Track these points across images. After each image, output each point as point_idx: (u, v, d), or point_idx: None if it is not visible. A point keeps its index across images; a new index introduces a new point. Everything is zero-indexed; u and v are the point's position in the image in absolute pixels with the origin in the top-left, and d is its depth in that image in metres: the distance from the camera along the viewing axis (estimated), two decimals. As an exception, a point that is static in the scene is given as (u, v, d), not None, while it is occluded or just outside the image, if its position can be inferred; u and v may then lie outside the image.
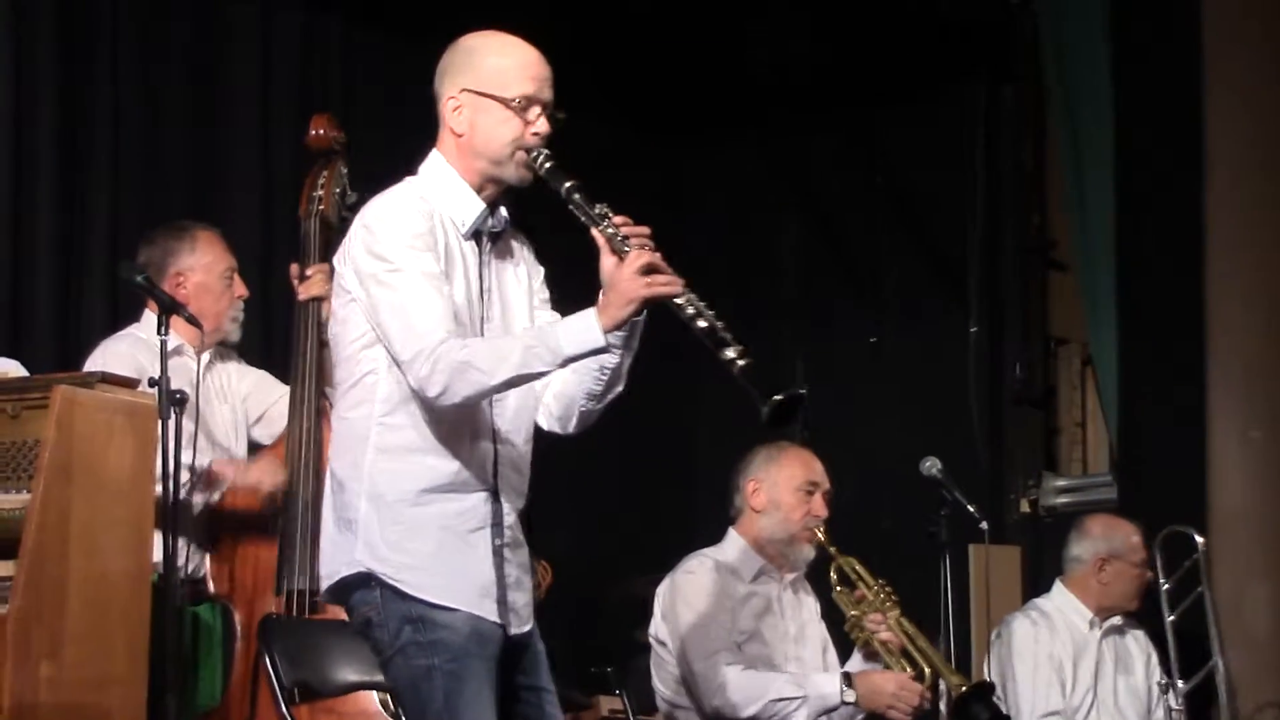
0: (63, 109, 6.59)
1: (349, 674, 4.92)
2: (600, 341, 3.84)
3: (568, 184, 3.95)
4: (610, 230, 3.93)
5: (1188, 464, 7.02)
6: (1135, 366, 7.48)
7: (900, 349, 8.44)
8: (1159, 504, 7.04)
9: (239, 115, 7.15)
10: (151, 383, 4.63)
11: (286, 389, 5.59)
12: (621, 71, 8.16)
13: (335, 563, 3.93)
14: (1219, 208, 7.05)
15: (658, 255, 3.88)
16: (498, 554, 3.95)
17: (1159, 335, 7.38)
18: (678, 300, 3.86)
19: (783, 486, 5.76)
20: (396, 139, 7.50)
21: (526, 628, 4.02)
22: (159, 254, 5.52)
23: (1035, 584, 7.31)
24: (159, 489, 4.59)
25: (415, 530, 3.88)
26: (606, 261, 3.95)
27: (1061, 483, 8.32)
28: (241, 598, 5.36)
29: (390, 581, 3.85)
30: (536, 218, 4.26)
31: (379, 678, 4.91)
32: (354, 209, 5.55)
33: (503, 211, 4.07)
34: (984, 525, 6.19)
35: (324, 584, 3.96)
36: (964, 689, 5.57)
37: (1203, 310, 7.02)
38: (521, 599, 4.01)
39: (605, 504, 8.07)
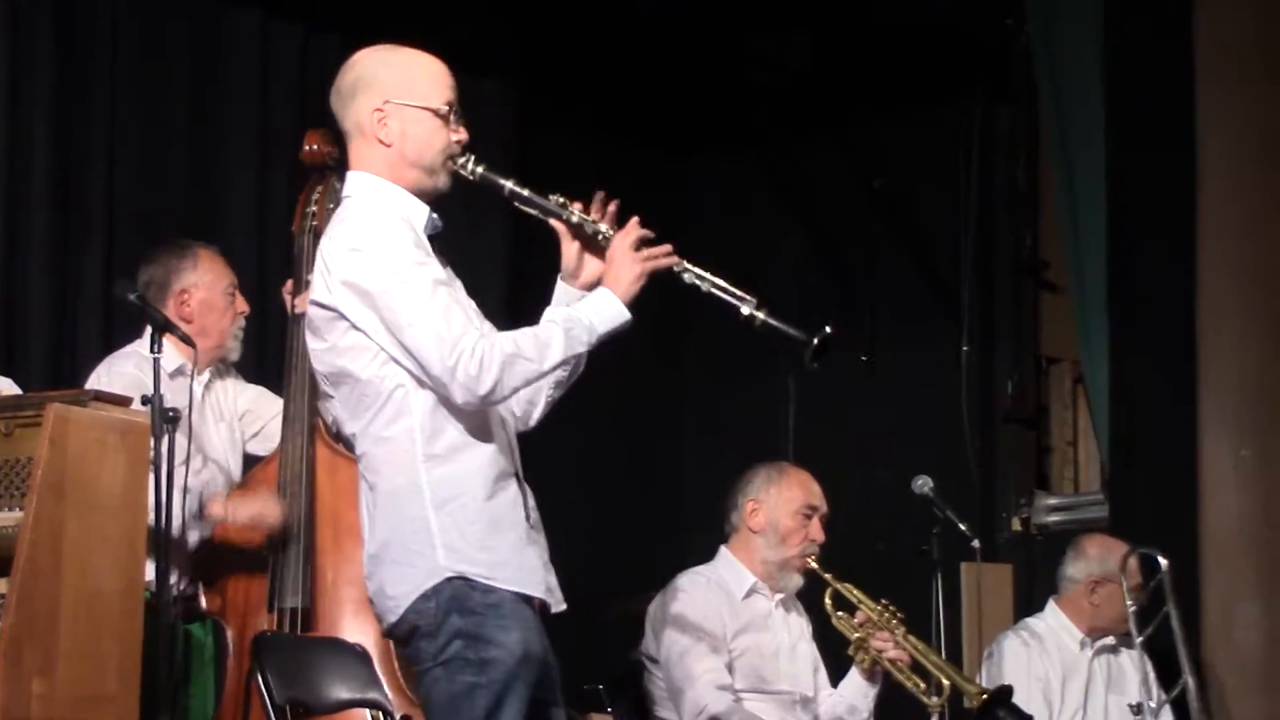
0: (57, 122, 6.58)
1: (341, 692, 4.93)
2: (627, 317, 3.94)
3: (510, 183, 4.01)
4: (576, 219, 4.03)
5: (1179, 483, 7.01)
6: (1127, 385, 7.47)
7: (892, 367, 8.43)
8: (1150, 523, 7.03)
9: (235, 131, 7.14)
10: (144, 400, 4.62)
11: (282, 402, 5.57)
12: (618, 84, 8.16)
13: (406, 585, 3.87)
14: (1212, 227, 7.05)
15: (642, 229, 3.99)
16: (534, 541, 3.98)
17: (1150, 354, 7.37)
18: (677, 269, 3.98)
19: (782, 509, 5.76)
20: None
21: (564, 605, 4.03)
22: (162, 272, 5.49)
23: (1027, 602, 7.30)
24: (152, 506, 4.58)
25: (494, 525, 3.90)
26: (570, 249, 4.09)
27: (1053, 501, 8.32)
28: (234, 615, 5.34)
29: (483, 581, 3.84)
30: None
31: (372, 695, 4.93)
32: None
33: (435, 216, 4.07)
34: (976, 543, 6.21)
35: (398, 610, 3.88)
36: (985, 696, 5.58)
37: (1194, 329, 7.02)
38: (553, 579, 4.03)
39: (598, 520, 8.07)
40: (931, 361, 8.31)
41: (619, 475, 8.22)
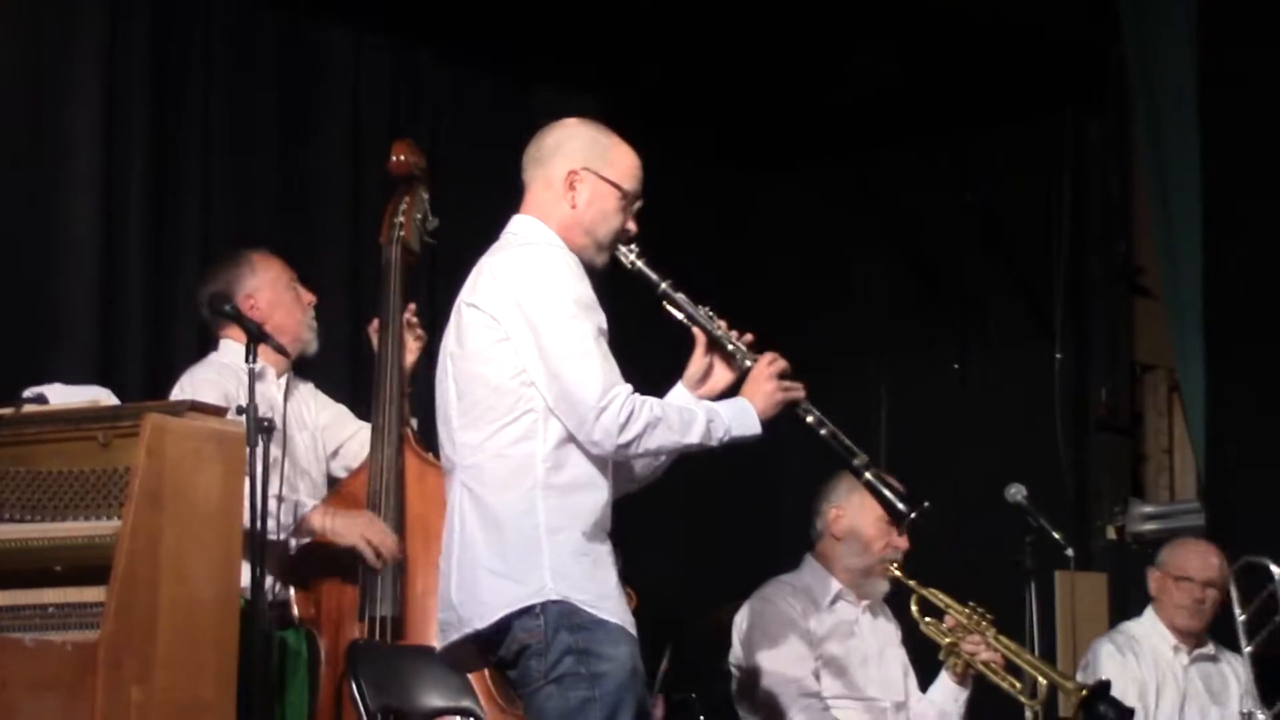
0: (152, 138, 6.67)
1: (435, 700, 4.97)
2: (759, 431, 4.19)
3: (665, 284, 4.27)
4: (720, 334, 4.30)
5: (1277, 490, 6.97)
6: (1222, 392, 7.44)
7: (985, 375, 8.42)
8: (1248, 530, 6.99)
9: (326, 145, 7.22)
10: (239, 410, 4.67)
11: (363, 425, 5.61)
12: (705, 99, 8.18)
13: (506, 595, 3.98)
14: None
15: (779, 358, 4.24)
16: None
17: (1246, 361, 7.34)
18: (803, 407, 4.26)
19: (865, 516, 5.76)
20: (482, 168, 7.58)
21: None
22: (224, 285, 5.54)
23: (1122, 611, 7.27)
24: (247, 514, 4.62)
25: (599, 562, 4.03)
26: (700, 359, 4.34)
27: (1148, 509, 8.27)
28: (326, 623, 5.39)
29: (587, 609, 3.96)
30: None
31: (465, 703, 4.98)
32: (435, 235, 5.65)
33: None
34: (1070, 552, 6.19)
35: (488, 617, 3.99)
36: (1084, 691, 5.57)
37: (1290, 334, 6.99)
38: None
39: (690, 529, 8.08)
40: (1025, 369, 8.29)
41: (711, 483, 8.22)
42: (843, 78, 8.10)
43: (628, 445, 3.98)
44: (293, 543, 5.34)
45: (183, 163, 6.78)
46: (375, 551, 5.30)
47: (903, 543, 5.76)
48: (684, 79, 7.95)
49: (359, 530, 5.32)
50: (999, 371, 8.36)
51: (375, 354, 5.62)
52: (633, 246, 4.25)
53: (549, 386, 3.99)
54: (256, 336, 4.97)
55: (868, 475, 4.30)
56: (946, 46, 7.90)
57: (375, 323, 5.67)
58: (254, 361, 4.84)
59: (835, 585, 5.76)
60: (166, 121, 6.74)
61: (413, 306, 5.65)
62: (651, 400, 4.03)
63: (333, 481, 5.68)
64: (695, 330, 4.33)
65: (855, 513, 5.76)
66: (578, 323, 4.00)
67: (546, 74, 7.79)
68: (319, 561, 5.39)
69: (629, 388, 4.00)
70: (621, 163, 4.23)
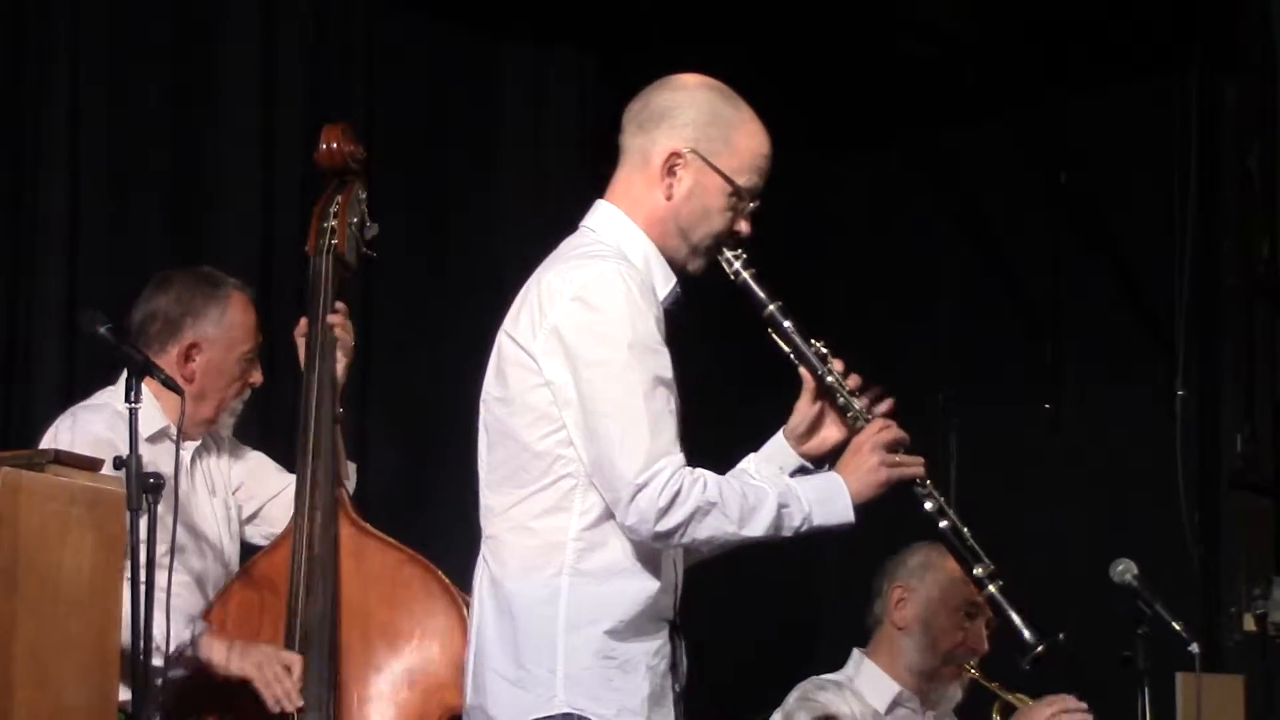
0: (5, 112, 6.68)
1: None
2: (851, 520, 4.20)
3: (774, 305, 4.30)
4: (831, 380, 4.32)
5: None
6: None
7: (1085, 418, 8.43)
8: None
9: (232, 122, 7.22)
10: (118, 463, 4.65)
11: (288, 479, 5.60)
12: (745, 63, 8.20)
13: (512, 706, 4.07)
14: None
15: (895, 425, 4.28)
16: (677, 704, 4.19)
17: None
18: (921, 489, 4.29)
19: (938, 602, 5.77)
20: (434, 153, 7.59)
21: None
22: (175, 308, 5.49)
23: (1264, 724, 7.32)
24: (128, 600, 4.61)
25: (628, 668, 4.09)
26: (807, 408, 4.38)
27: (1299, 592, 8.30)
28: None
29: None
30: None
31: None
32: (374, 245, 5.63)
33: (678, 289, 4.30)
34: (1195, 648, 6.19)
35: None
36: None
37: None
38: None
39: (704, 615, 8.10)
40: (1136, 410, 8.31)
41: (750, 580, 8.25)
42: (905, 35, 8.14)
43: (668, 535, 4.03)
44: (177, 671, 5.27)
45: (45, 128, 6.77)
46: (272, 691, 5.25)
47: (981, 644, 5.77)
48: (719, 37, 7.98)
49: (254, 660, 5.28)
50: (1103, 413, 8.37)
51: (300, 382, 5.61)
52: (740, 253, 4.29)
53: (586, 448, 4.06)
54: (140, 369, 4.89)
55: (991, 589, 4.34)
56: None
57: (303, 323, 5.64)
58: (136, 401, 4.80)
59: (893, 687, 5.77)
60: (23, 76, 6.74)
61: (342, 306, 5.61)
62: (707, 478, 4.06)
63: (250, 552, 5.66)
64: (802, 371, 4.37)
65: (925, 597, 5.78)
66: (630, 372, 4.04)
67: (522, 24, 7.84)
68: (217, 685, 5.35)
69: (680, 460, 4.03)
70: (744, 148, 4.28)
